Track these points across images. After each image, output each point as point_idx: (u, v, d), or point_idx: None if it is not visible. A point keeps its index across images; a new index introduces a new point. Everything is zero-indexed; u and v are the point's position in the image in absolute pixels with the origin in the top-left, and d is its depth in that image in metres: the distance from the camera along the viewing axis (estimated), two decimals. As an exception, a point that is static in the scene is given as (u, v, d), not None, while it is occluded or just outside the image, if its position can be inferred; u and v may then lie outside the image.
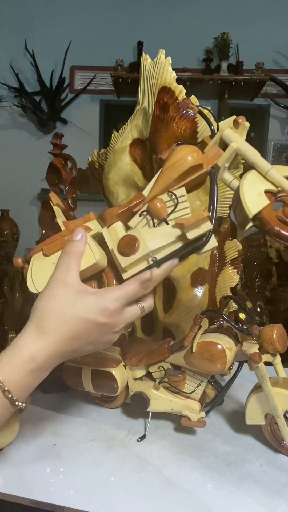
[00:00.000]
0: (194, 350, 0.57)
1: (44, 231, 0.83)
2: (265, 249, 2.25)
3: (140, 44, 3.02)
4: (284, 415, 0.58)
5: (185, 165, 0.45)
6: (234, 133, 0.47)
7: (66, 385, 0.69)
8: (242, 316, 0.59)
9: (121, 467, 0.56)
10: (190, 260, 0.73)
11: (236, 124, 0.47)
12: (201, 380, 0.61)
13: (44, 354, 0.44)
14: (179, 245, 0.46)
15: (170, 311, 0.74)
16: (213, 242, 0.46)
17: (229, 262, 0.76)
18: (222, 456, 0.59)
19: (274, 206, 0.45)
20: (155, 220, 0.46)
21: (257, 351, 0.56)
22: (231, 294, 0.74)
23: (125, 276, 0.47)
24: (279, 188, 0.45)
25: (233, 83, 2.82)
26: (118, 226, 0.49)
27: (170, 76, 0.63)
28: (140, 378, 0.66)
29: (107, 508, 0.49)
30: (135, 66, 2.91)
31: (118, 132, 0.75)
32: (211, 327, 0.61)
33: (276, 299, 2.17)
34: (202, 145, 0.49)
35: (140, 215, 0.47)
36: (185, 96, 0.63)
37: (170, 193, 0.46)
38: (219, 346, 0.56)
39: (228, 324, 0.58)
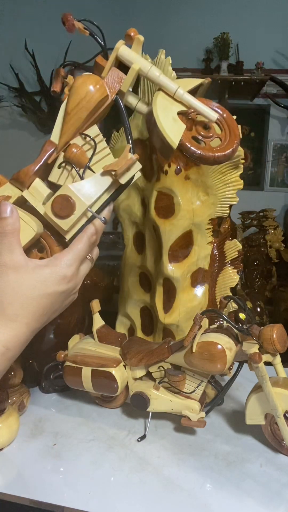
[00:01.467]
0: (194, 350, 0.57)
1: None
2: (265, 249, 2.25)
3: (140, 44, 3.02)
4: (284, 415, 0.58)
5: (93, 101, 0.42)
6: (131, 51, 0.44)
7: (66, 385, 0.69)
8: (242, 316, 0.59)
9: (121, 467, 0.56)
10: (190, 260, 0.73)
11: (129, 39, 0.45)
12: (201, 380, 0.61)
13: (18, 340, 0.43)
14: (112, 190, 0.45)
15: (170, 311, 0.74)
16: (137, 174, 0.44)
17: (229, 262, 0.76)
18: (222, 456, 0.59)
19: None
20: (78, 169, 0.43)
21: (257, 351, 0.56)
22: (231, 294, 0.74)
23: (67, 236, 0.44)
24: (189, 109, 0.44)
25: (233, 83, 2.82)
26: (39, 184, 0.45)
27: (170, 76, 0.63)
28: (140, 378, 0.66)
29: (107, 508, 0.49)
30: (135, 66, 2.90)
31: (118, 132, 0.75)
32: (211, 327, 0.61)
33: (276, 299, 2.17)
34: (96, 68, 0.45)
35: (59, 167, 0.44)
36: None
37: (84, 136, 0.43)
38: (219, 346, 0.56)
39: (228, 324, 0.58)
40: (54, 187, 0.46)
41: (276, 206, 2.73)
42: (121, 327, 0.83)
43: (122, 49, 0.44)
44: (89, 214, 0.44)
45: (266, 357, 0.58)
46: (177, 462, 0.58)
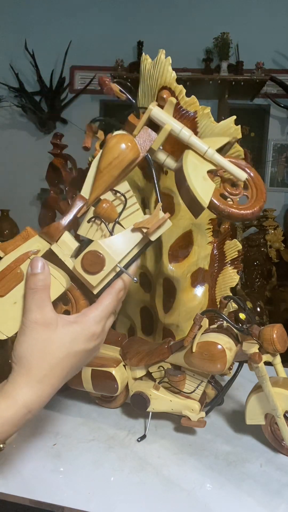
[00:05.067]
0: (194, 350, 0.57)
1: (44, 231, 0.84)
2: (265, 249, 2.25)
3: (140, 44, 3.02)
4: (284, 415, 0.58)
5: (126, 161, 0.43)
6: (164, 112, 0.45)
7: (66, 385, 0.69)
8: (242, 316, 0.59)
9: (121, 467, 0.56)
10: (190, 260, 0.73)
11: (161, 100, 0.45)
12: (201, 380, 0.61)
13: (41, 401, 0.42)
14: (141, 246, 0.45)
15: (170, 311, 0.74)
16: (167, 225, 0.45)
17: (229, 262, 0.76)
18: (222, 456, 0.59)
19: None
20: (107, 224, 0.44)
21: (257, 351, 0.56)
22: (231, 294, 0.74)
23: (95, 290, 0.45)
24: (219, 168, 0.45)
25: (233, 83, 2.82)
26: (68, 237, 0.46)
27: (170, 76, 0.63)
28: (140, 378, 0.66)
29: (107, 508, 0.49)
30: (135, 66, 2.90)
31: (118, 132, 0.75)
32: (211, 327, 0.61)
33: (276, 299, 2.17)
34: (128, 126, 0.46)
35: (88, 222, 0.44)
36: (185, 96, 0.63)
37: (115, 192, 0.44)
38: (219, 346, 0.56)
39: (228, 324, 0.58)
40: (78, 239, 0.47)
41: (276, 206, 2.73)
42: (121, 327, 0.83)
43: (155, 111, 0.44)
44: (118, 269, 0.44)
45: (266, 357, 0.58)
46: (177, 462, 0.58)
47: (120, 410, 0.71)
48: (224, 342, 0.57)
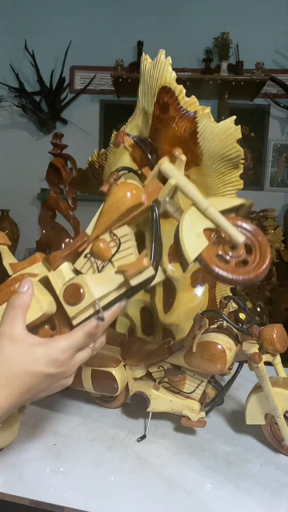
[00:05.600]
0: (194, 350, 0.57)
1: (44, 231, 0.84)
2: (265, 249, 2.25)
3: (140, 44, 3.02)
4: (284, 415, 0.58)
5: (124, 206, 0.45)
6: (173, 168, 0.46)
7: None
8: (242, 316, 0.59)
9: (121, 467, 0.56)
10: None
11: (172, 157, 0.47)
12: (201, 380, 0.61)
13: None
14: (122, 290, 0.46)
15: (170, 311, 0.74)
16: (159, 277, 0.46)
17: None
18: (222, 456, 0.59)
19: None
20: (99, 262, 0.46)
21: (257, 351, 0.56)
22: (231, 294, 0.74)
23: (74, 322, 0.46)
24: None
25: (233, 83, 2.82)
26: (65, 268, 0.47)
27: (170, 76, 0.63)
28: (140, 378, 0.66)
29: (107, 508, 0.49)
30: (135, 66, 2.90)
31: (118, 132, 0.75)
32: (211, 327, 0.61)
33: (276, 299, 2.17)
34: (142, 177, 0.48)
35: (85, 257, 0.47)
36: (185, 96, 0.63)
37: (111, 234, 0.46)
38: (219, 346, 0.56)
39: (228, 324, 0.58)
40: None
41: (276, 206, 2.73)
42: (121, 327, 0.83)
43: (165, 165, 0.46)
44: (97, 306, 0.45)
45: (266, 357, 0.58)
46: (177, 462, 0.58)
47: (120, 410, 0.71)
48: (224, 342, 0.57)
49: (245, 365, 0.60)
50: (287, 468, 0.57)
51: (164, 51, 0.63)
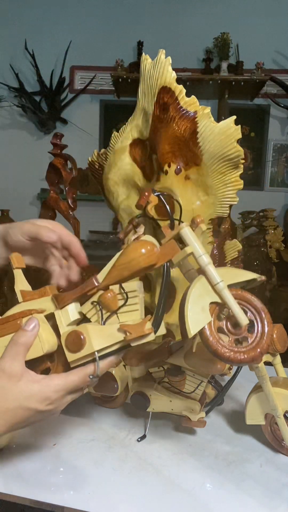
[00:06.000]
0: (194, 350, 0.57)
1: (44, 231, 0.84)
2: (265, 249, 2.25)
3: (140, 44, 3.02)
4: (284, 415, 0.58)
5: (137, 267, 0.46)
6: (191, 235, 0.47)
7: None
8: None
9: (121, 467, 0.56)
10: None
11: (193, 224, 0.48)
12: (201, 380, 0.61)
13: None
14: (121, 345, 0.47)
15: (170, 311, 0.74)
16: (160, 332, 0.47)
17: (229, 262, 0.76)
18: (222, 456, 0.59)
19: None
20: (105, 311, 0.47)
21: (257, 351, 0.56)
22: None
23: (71, 365, 0.47)
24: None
25: (233, 83, 2.82)
26: (71, 309, 0.49)
27: (170, 76, 0.63)
28: (140, 378, 0.66)
29: (107, 508, 0.49)
30: (135, 66, 2.90)
31: (118, 132, 0.75)
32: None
33: (276, 299, 2.17)
34: (161, 234, 0.48)
35: (91, 303, 0.48)
36: (185, 96, 0.63)
37: (121, 287, 0.47)
38: (219, 346, 0.56)
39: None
40: None
41: (276, 206, 2.73)
42: (121, 327, 0.83)
43: (184, 230, 0.47)
44: (95, 356, 0.47)
45: (266, 357, 0.58)
46: (177, 462, 0.58)
47: (120, 410, 0.71)
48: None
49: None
50: (287, 468, 0.57)
51: (164, 51, 0.63)
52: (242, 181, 0.68)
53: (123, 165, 0.74)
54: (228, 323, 0.47)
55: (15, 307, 0.51)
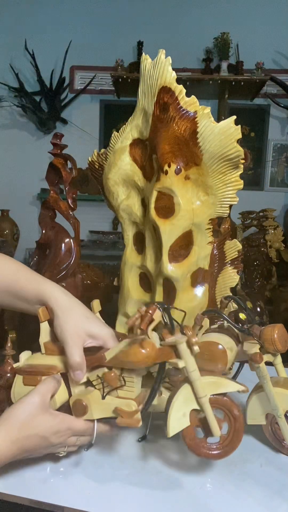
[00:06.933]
0: (194, 350, 0.57)
1: (44, 231, 0.83)
2: (265, 249, 2.24)
3: (140, 44, 3.02)
4: (285, 415, 0.58)
5: (137, 364, 0.51)
6: (187, 352, 0.50)
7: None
8: (242, 316, 0.59)
9: (121, 467, 0.56)
10: (190, 260, 0.73)
11: (189, 344, 0.51)
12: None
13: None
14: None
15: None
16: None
17: (229, 262, 0.76)
18: (222, 456, 0.59)
19: None
20: (106, 384, 0.53)
21: (258, 351, 0.56)
22: (231, 294, 0.74)
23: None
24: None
25: (233, 83, 2.82)
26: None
27: (170, 76, 0.63)
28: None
29: (107, 508, 0.49)
30: (135, 66, 2.91)
31: (118, 132, 0.75)
32: (211, 327, 0.61)
33: (276, 299, 2.17)
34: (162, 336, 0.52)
35: (97, 376, 0.54)
36: (185, 96, 0.63)
37: (121, 373, 0.53)
38: (220, 346, 0.56)
39: (229, 324, 0.58)
40: None
41: (276, 206, 2.73)
42: (121, 327, 0.83)
43: (181, 346, 0.51)
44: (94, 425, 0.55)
45: (267, 357, 0.57)
46: (177, 462, 0.58)
47: (120, 410, 0.71)
48: (225, 342, 0.57)
49: (246, 365, 0.60)
50: (288, 468, 0.57)
51: (164, 51, 0.63)
52: (242, 181, 0.68)
53: (123, 165, 0.74)
54: (204, 426, 0.52)
55: (38, 356, 0.58)
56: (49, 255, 0.82)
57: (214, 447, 0.52)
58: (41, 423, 0.50)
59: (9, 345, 0.66)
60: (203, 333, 0.59)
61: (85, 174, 2.93)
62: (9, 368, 0.60)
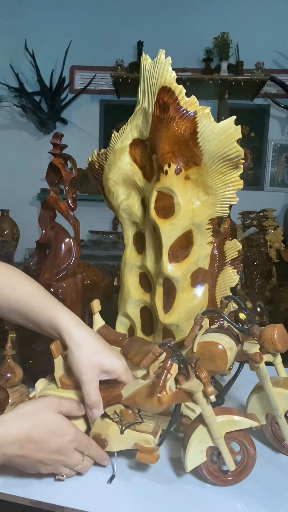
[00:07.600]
0: (195, 350, 0.57)
1: (44, 231, 0.83)
2: (265, 249, 2.24)
3: (140, 44, 3.02)
4: (285, 415, 0.58)
5: (153, 408, 0.52)
6: (203, 401, 0.51)
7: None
8: (242, 316, 0.59)
9: (121, 467, 0.56)
10: (190, 260, 0.73)
11: (206, 393, 0.52)
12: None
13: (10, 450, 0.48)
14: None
15: (170, 311, 0.74)
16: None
17: (229, 262, 0.76)
18: (223, 456, 0.59)
19: None
20: (123, 420, 0.55)
21: (258, 351, 0.56)
22: (231, 294, 0.73)
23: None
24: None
25: (233, 83, 2.82)
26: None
27: (170, 76, 0.63)
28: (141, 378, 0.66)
29: (107, 508, 0.49)
30: (135, 66, 2.91)
31: (118, 132, 0.75)
32: (211, 327, 0.61)
33: (276, 299, 2.17)
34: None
35: (115, 411, 0.56)
36: (185, 96, 0.63)
37: (137, 414, 0.55)
38: (220, 346, 0.56)
39: (229, 324, 0.58)
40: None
41: (276, 206, 2.73)
42: (121, 327, 0.83)
43: (198, 395, 0.51)
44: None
45: (267, 357, 0.57)
46: (177, 462, 0.58)
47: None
48: (225, 342, 0.57)
49: (246, 365, 0.60)
50: (287, 468, 0.57)
51: (164, 51, 0.63)
52: (242, 181, 0.68)
53: (123, 165, 0.74)
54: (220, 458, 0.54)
55: (54, 388, 0.59)
56: (49, 255, 0.82)
57: (229, 477, 0.54)
58: (51, 417, 0.51)
59: (9, 345, 0.66)
60: (203, 333, 0.59)
61: (85, 174, 2.94)
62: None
